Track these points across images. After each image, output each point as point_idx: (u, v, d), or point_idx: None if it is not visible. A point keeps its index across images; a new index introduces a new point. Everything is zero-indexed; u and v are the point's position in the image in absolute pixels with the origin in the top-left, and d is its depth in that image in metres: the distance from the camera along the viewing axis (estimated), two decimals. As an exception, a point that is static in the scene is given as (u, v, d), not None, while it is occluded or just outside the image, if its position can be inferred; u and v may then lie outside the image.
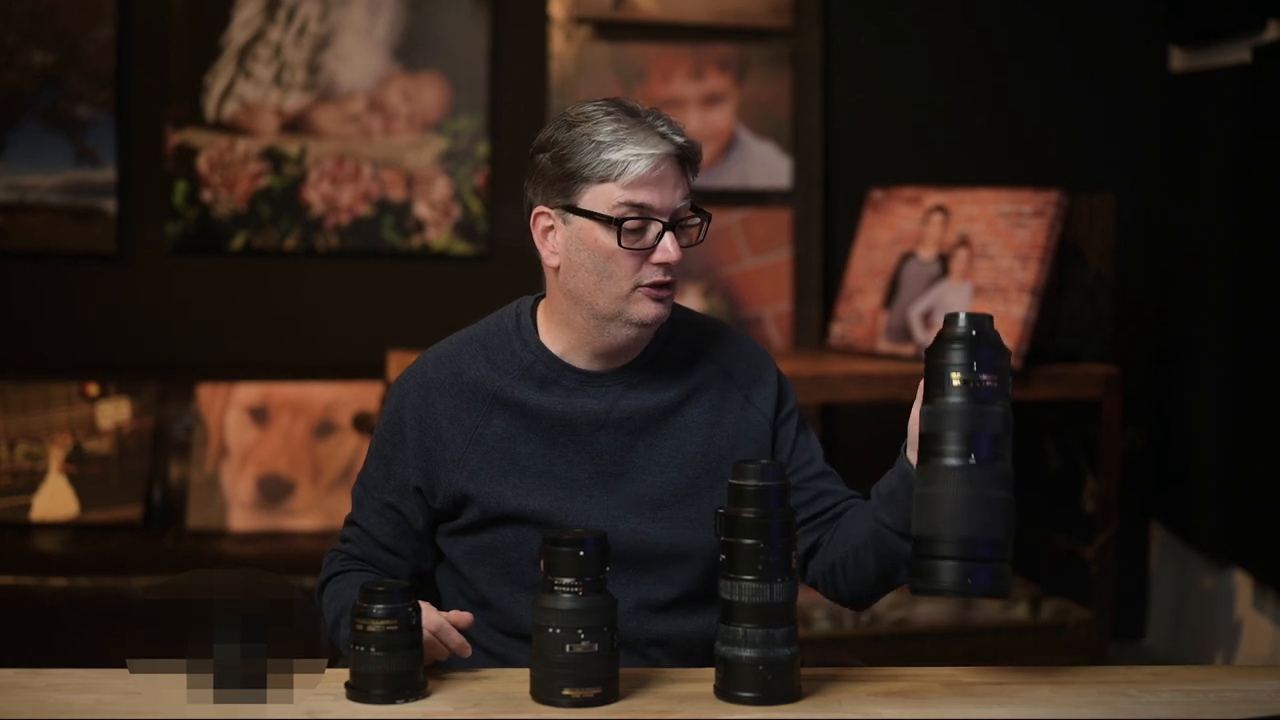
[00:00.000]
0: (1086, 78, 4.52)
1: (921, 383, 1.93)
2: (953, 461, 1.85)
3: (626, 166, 2.00)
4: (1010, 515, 1.87)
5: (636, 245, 2.02)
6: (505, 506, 2.08)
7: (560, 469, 2.09)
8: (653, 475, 2.11)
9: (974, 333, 1.86)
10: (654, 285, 2.04)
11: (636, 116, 2.04)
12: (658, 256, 2.03)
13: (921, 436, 1.89)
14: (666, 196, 2.02)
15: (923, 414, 1.89)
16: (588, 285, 2.05)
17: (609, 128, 2.02)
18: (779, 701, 1.84)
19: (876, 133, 4.53)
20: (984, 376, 1.85)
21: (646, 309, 2.04)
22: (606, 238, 2.02)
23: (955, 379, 1.86)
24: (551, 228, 2.08)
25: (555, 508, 2.08)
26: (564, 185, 2.04)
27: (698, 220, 2.08)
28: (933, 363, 1.88)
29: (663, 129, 2.04)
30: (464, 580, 2.14)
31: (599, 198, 2.02)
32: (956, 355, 1.86)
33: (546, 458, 2.09)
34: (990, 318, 1.88)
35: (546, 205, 2.08)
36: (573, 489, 2.09)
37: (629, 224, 2.01)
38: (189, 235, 4.40)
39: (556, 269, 2.09)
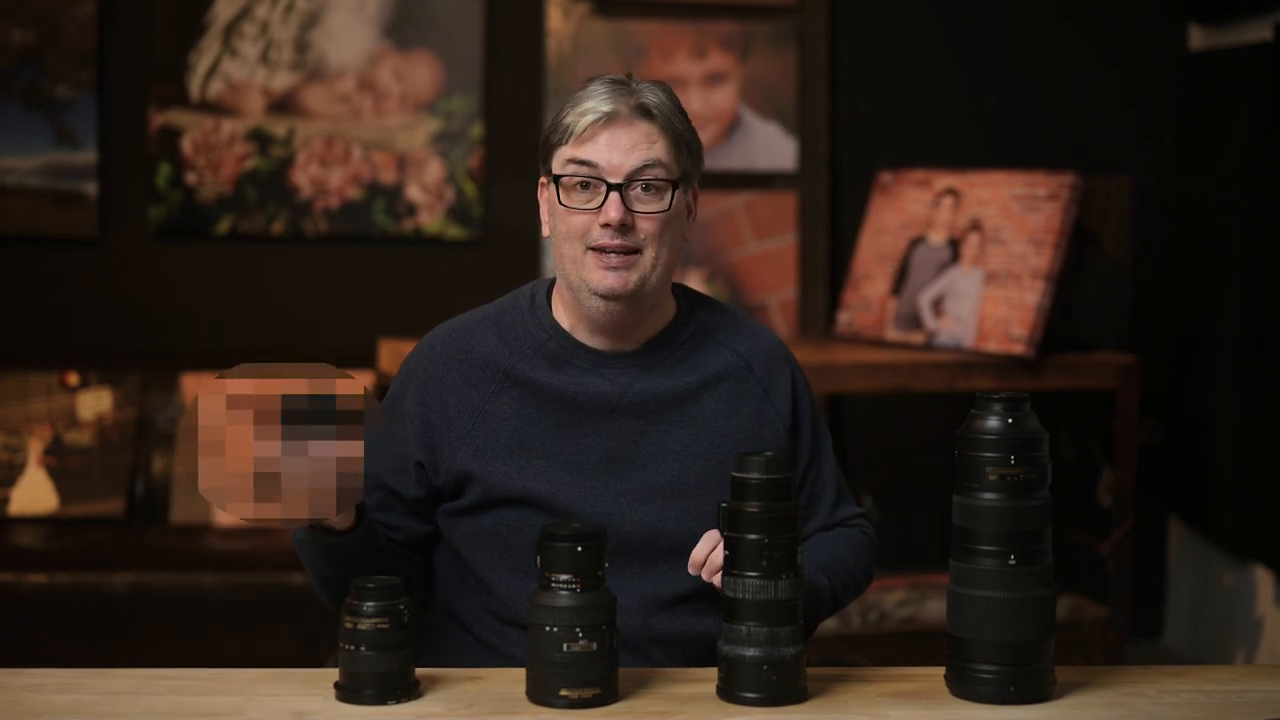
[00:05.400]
0: (1102, 56, 4.53)
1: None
2: (990, 564, 1.80)
3: (575, 124, 2.03)
4: (1052, 611, 1.82)
5: (579, 205, 2.02)
6: (510, 488, 2.05)
7: (570, 452, 2.06)
8: (665, 463, 2.08)
9: (1010, 421, 1.80)
10: (600, 250, 2.01)
11: (618, 84, 2.04)
12: (600, 217, 2.01)
13: (956, 529, 1.83)
14: (616, 156, 2.01)
15: (956, 505, 1.83)
16: (558, 251, 2.07)
17: (587, 91, 2.05)
18: (784, 702, 1.81)
19: (885, 113, 4.52)
20: (1021, 471, 1.79)
21: (597, 277, 2.03)
22: (556, 197, 2.05)
23: (991, 474, 1.79)
24: (548, 198, 2.11)
25: (561, 492, 2.05)
26: (544, 152, 2.09)
27: (665, 187, 2.03)
28: (966, 453, 1.82)
29: (636, 89, 2.03)
30: (464, 564, 2.11)
31: (559, 160, 2.05)
32: (992, 448, 1.80)
33: (555, 439, 2.06)
34: (1026, 399, 1.82)
35: (543, 175, 2.11)
36: (581, 473, 2.05)
37: (566, 180, 2.03)
38: (173, 219, 4.38)
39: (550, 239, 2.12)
